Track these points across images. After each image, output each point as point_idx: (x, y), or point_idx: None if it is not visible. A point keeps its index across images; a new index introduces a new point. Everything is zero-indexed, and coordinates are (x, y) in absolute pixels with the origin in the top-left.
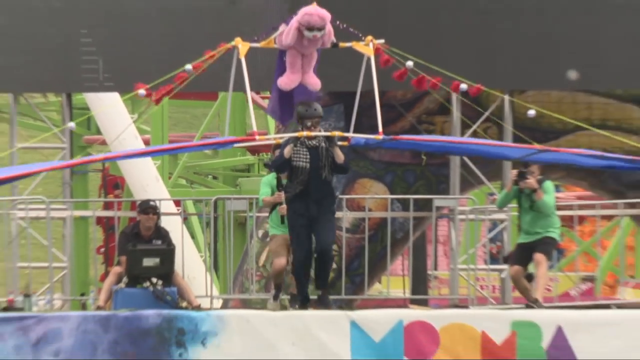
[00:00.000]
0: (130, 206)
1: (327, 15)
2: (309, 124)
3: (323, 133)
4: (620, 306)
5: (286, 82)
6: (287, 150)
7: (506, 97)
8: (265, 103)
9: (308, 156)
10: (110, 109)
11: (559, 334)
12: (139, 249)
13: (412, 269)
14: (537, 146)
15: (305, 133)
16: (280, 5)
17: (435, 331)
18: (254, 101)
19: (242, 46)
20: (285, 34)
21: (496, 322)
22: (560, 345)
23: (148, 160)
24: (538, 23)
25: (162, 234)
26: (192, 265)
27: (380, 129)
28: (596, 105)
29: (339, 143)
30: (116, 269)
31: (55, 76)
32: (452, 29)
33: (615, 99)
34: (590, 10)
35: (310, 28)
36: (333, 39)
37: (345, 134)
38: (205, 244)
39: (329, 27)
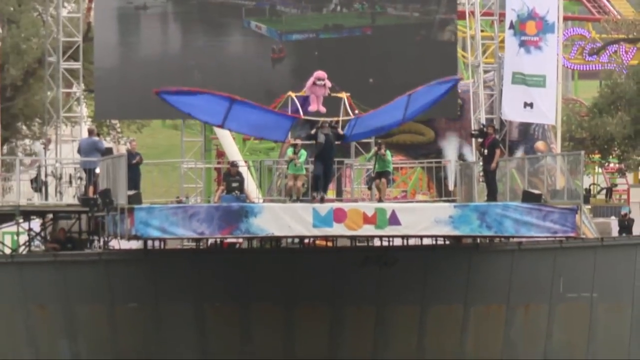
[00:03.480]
0: (228, 162)
1: (325, 74)
2: (322, 124)
3: (328, 119)
4: (417, 202)
5: (311, 108)
6: (314, 132)
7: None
8: None
9: (324, 137)
10: None
11: (393, 213)
12: (230, 179)
13: (337, 187)
14: (402, 95)
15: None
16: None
17: (345, 211)
18: None
19: (292, 93)
20: (307, 84)
21: (369, 208)
22: (394, 217)
23: (234, 145)
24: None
25: (239, 173)
26: (251, 185)
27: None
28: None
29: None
30: (221, 187)
31: None
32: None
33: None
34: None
35: (319, 79)
36: (329, 91)
37: (338, 118)
38: (256, 178)
39: (327, 82)
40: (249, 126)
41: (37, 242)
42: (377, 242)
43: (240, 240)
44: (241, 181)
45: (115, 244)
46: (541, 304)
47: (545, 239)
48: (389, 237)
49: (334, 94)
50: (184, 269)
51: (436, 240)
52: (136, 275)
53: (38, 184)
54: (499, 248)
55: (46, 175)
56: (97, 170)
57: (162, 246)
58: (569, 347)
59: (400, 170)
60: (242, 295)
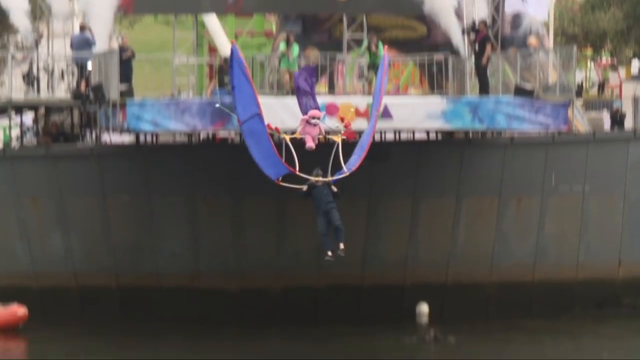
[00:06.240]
0: (221, 59)
1: (321, 114)
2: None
3: (322, 179)
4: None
5: (309, 146)
6: (306, 189)
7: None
8: None
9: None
10: (211, 19)
11: (386, 107)
12: (223, 74)
13: (329, 82)
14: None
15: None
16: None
17: (337, 106)
18: None
19: (287, 136)
20: (301, 121)
21: (361, 102)
22: (386, 111)
23: (226, 41)
24: None
25: None
26: None
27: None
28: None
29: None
30: (213, 82)
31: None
32: None
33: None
34: None
35: (314, 117)
36: (324, 132)
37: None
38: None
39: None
40: (256, 146)
41: (29, 136)
42: None
43: (233, 135)
44: None
45: (107, 138)
46: (533, 196)
47: (537, 133)
48: (381, 130)
49: (329, 137)
50: (176, 163)
51: (428, 134)
52: (128, 169)
53: (30, 79)
54: (491, 142)
55: (38, 70)
56: (89, 67)
57: (154, 141)
58: (561, 239)
59: (392, 65)
60: (234, 189)
